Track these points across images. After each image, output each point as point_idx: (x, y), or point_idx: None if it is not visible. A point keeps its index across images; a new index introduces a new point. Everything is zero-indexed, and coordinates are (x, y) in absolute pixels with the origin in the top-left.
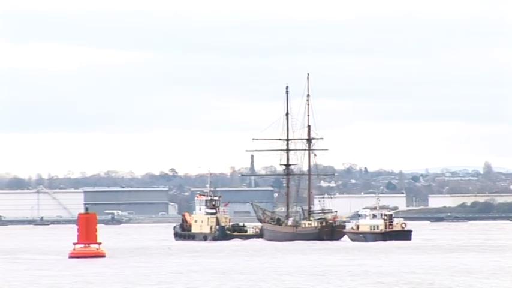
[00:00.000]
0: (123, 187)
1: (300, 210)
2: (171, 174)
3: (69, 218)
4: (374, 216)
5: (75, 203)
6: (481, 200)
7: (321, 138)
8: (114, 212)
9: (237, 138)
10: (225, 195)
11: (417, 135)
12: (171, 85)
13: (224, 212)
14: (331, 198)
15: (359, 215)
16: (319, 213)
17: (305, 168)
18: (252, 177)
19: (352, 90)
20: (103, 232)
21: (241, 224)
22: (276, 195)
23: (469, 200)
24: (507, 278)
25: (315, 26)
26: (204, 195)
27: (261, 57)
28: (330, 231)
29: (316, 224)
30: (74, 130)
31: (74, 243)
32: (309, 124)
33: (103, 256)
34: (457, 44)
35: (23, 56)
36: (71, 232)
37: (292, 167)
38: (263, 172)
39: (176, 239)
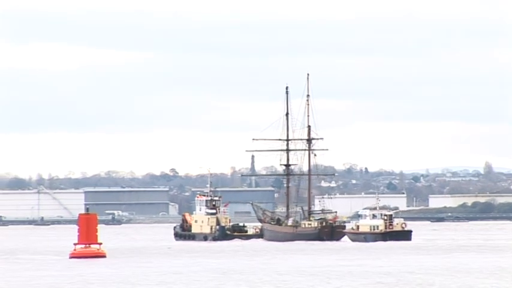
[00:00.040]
0: (123, 187)
1: (301, 210)
2: (171, 174)
3: (70, 218)
4: (374, 216)
5: (75, 203)
6: (482, 200)
7: (321, 138)
8: (115, 212)
9: (237, 139)
10: (226, 196)
11: (418, 135)
12: (171, 85)
13: (224, 212)
14: (331, 198)
15: (359, 215)
16: (319, 213)
17: (305, 169)
18: (253, 178)
19: (352, 90)
20: (104, 232)
21: (241, 224)
22: (276, 195)
23: (469, 200)
24: (507, 278)
25: (315, 26)
26: (204, 196)
27: (261, 57)
28: (330, 231)
29: (316, 224)
30: (74, 130)
31: (75, 244)
32: (309, 124)
33: (104, 256)
34: (457, 44)
35: (23, 56)
36: (72, 232)
37: (292, 167)
38: (264, 172)
39: (176, 239)
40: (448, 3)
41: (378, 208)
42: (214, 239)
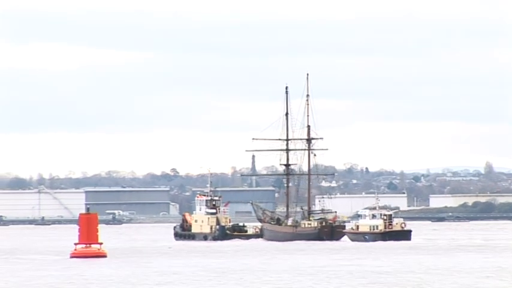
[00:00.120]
0: (124, 187)
1: (301, 210)
2: (172, 174)
3: (71, 218)
4: (374, 216)
5: (76, 203)
6: (482, 200)
7: (320, 138)
8: (116, 212)
9: (238, 138)
10: (227, 195)
11: (418, 135)
12: (171, 85)
13: (224, 212)
14: (331, 198)
15: (358, 215)
16: (318, 213)
17: (305, 168)
18: (253, 177)
19: (352, 90)
20: (104, 232)
21: (241, 224)
22: (277, 195)
23: (470, 200)
24: (507, 278)
25: (315, 26)
26: (204, 195)
27: (261, 57)
28: (330, 231)
29: (316, 224)
30: (74, 130)
31: (75, 244)
32: (309, 124)
33: (104, 256)
34: (457, 44)
35: (23, 56)
36: (72, 232)
37: (292, 167)
38: (264, 172)
39: (176, 239)
40: (448, 3)
41: (377, 208)
42: (214, 238)
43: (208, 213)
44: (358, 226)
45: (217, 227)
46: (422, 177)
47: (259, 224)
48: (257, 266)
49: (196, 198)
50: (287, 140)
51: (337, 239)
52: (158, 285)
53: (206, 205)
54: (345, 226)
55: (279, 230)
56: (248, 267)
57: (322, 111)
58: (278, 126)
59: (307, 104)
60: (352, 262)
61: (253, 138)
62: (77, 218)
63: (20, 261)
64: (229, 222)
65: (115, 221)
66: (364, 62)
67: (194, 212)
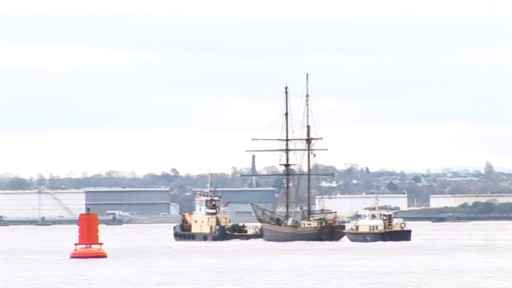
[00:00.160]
0: (124, 187)
1: (300, 210)
2: (172, 174)
3: (71, 218)
4: (373, 216)
5: (76, 203)
6: (483, 200)
7: (320, 138)
8: (116, 212)
9: (238, 139)
10: (227, 196)
11: (418, 135)
12: (171, 85)
13: (224, 212)
14: (330, 198)
15: (358, 216)
16: (318, 213)
17: (305, 168)
18: (254, 178)
19: (352, 90)
20: (104, 232)
21: (241, 224)
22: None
23: (470, 200)
24: (507, 278)
25: (315, 26)
26: (204, 196)
27: (261, 57)
28: (330, 231)
29: (315, 225)
30: (74, 130)
31: (76, 244)
32: (309, 124)
33: (104, 256)
34: (457, 44)
35: (23, 56)
36: (73, 232)
37: (292, 167)
38: (264, 172)
39: (176, 239)
40: (448, 3)
41: (377, 208)
42: (214, 239)
43: (208, 214)
44: (357, 226)
45: (217, 227)
46: (422, 178)
47: (259, 224)
48: (257, 266)
49: (196, 198)
50: (287, 140)
51: (337, 239)
52: (158, 286)
53: (206, 205)
54: (344, 226)
55: (278, 230)
56: (248, 267)
57: (322, 111)
58: (278, 126)
59: (307, 104)
60: (352, 262)
61: (253, 139)
62: (77, 218)
63: (20, 262)
64: (229, 222)
65: (115, 221)
66: (364, 62)
67: (194, 212)
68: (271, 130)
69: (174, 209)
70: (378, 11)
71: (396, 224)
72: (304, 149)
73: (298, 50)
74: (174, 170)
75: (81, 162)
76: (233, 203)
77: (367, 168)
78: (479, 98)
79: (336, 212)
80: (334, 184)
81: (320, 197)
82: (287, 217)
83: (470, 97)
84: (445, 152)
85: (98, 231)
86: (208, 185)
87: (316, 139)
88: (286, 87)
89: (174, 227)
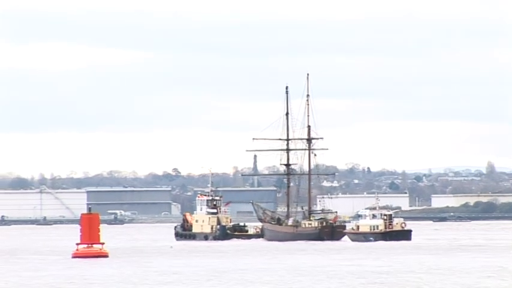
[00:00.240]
0: (126, 187)
1: (302, 210)
2: (173, 174)
3: (72, 218)
4: (374, 216)
5: (78, 203)
6: (484, 200)
7: (320, 138)
8: (117, 212)
9: (239, 138)
10: (228, 195)
11: (420, 135)
12: (171, 85)
13: (225, 211)
14: (331, 198)
15: (359, 215)
16: (319, 213)
17: (306, 168)
18: (255, 177)
19: (352, 90)
20: (106, 232)
21: (242, 224)
22: (279, 195)
23: (472, 200)
24: (508, 278)
25: (315, 26)
26: (205, 195)
27: (261, 57)
28: (330, 231)
29: (316, 224)
30: (74, 130)
31: (77, 244)
32: (309, 124)
33: (106, 256)
34: (457, 44)
35: (23, 56)
36: (74, 232)
37: (293, 166)
38: (266, 172)
39: (177, 239)
40: (448, 3)
41: (377, 208)
42: (215, 238)
43: (209, 213)
44: (358, 226)
45: (218, 227)
46: (424, 177)
47: (260, 224)
48: (257, 266)
49: (197, 198)
50: (287, 139)
51: (338, 239)
52: (159, 285)
53: (207, 205)
54: (345, 226)
55: (279, 230)
56: (248, 267)
57: (322, 111)
58: (278, 126)
59: (307, 104)
60: (353, 262)
61: (253, 138)
62: (79, 218)
63: (21, 261)
64: (230, 222)
65: (117, 221)
66: (364, 62)
67: (195, 212)
68: (271, 130)
69: (176, 209)
70: (377, 11)
71: (397, 223)
72: (305, 149)
73: (298, 50)
74: (175, 169)
75: (82, 162)
76: (235, 202)
77: (368, 168)
78: (479, 98)
79: (336, 212)
80: (335, 184)
81: (321, 196)
82: (288, 217)
83: (470, 97)
84: (446, 152)
85: (99, 231)
86: (209, 185)
87: (317, 139)
88: (286, 87)
89: (175, 227)
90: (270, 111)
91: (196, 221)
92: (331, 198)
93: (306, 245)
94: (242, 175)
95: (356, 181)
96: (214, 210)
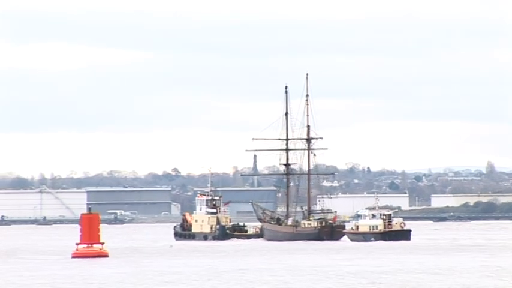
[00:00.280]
0: (126, 187)
1: (301, 210)
2: (173, 174)
3: (72, 217)
4: (373, 216)
5: (78, 203)
6: (484, 199)
7: (320, 138)
8: (117, 211)
9: (239, 138)
10: (228, 195)
11: (420, 135)
12: (171, 85)
13: (225, 211)
14: (331, 198)
15: (358, 215)
16: (318, 213)
17: (306, 168)
18: (255, 177)
19: (352, 90)
20: (106, 232)
21: (241, 223)
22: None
23: (472, 200)
24: (507, 278)
25: (315, 26)
26: (204, 195)
27: (261, 57)
28: (330, 231)
29: (316, 224)
30: (73, 130)
31: (77, 244)
32: (309, 124)
33: (106, 256)
34: (457, 44)
35: (23, 56)
36: (74, 232)
37: (293, 166)
38: (266, 172)
39: (177, 239)
40: (448, 3)
41: (377, 208)
42: (215, 238)
43: (208, 213)
44: (357, 226)
45: (218, 226)
46: (424, 177)
47: (259, 224)
48: (257, 265)
49: (196, 198)
50: (287, 139)
51: (337, 239)
52: (159, 285)
53: (206, 205)
54: (344, 226)
55: (279, 229)
56: (248, 267)
57: (322, 111)
58: (278, 126)
59: (307, 104)
60: (352, 262)
61: (253, 138)
62: (79, 218)
63: (21, 261)
64: (230, 222)
65: (117, 220)
66: (364, 62)
67: (195, 211)
68: (271, 130)
69: (176, 209)
70: (377, 11)
71: (396, 223)
72: (304, 149)
73: (298, 50)
74: (175, 169)
75: (82, 161)
76: (235, 202)
77: (368, 168)
78: (479, 98)
79: (335, 212)
80: (335, 184)
81: (320, 196)
82: (287, 217)
83: (470, 97)
84: (446, 152)
85: (99, 231)
86: (208, 185)
87: (316, 138)
88: (286, 87)
89: (175, 227)
90: (269, 111)
91: (196, 220)
92: (331, 198)
93: (305, 245)
94: (241, 175)
95: (356, 181)
96: (214, 210)
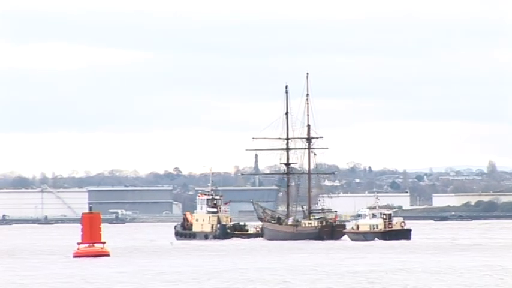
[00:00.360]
0: (127, 186)
1: (302, 209)
2: (175, 173)
3: (74, 217)
4: (373, 215)
5: (79, 202)
6: (485, 199)
7: (320, 137)
8: (119, 211)
9: (239, 138)
10: (230, 195)
11: (421, 134)
12: (171, 85)
13: (225, 211)
14: (331, 197)
15: (358, 215)
16: (319, 212)
17: (307, 167)
18: (257, 177)
19: (352, 90)
20: (107, 231)
21: (242, 223)
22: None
23: (473, 199)
24: (508, 278)
25: (315, 26)
26: (205, 194)
27: (261, 57)
28: (330, 230)
29: (316, 224)
30: (73, 130)
31: (78, 243)
32: (309, 123)
33: (107, 255)
34: (457, 44)
35: (23, 56)
36: (75, 231)
37: (294, 165)
38: (267, 171)
39: (177, 238)
40: (448, 3)
41: (377, 207)
42: (215, 237)
43: (209, 212)
44: (358, 226)
45: (218, 226)
46: (425, 177)
47: (261, 224)
48: (257, 265)
49: (197, 197)
50: (287, 139)
51: (337, 238)
52: (159, 284)
53: (207, 204)
54: (345, 226)
55: (279, 229)
56: (248, 266)
57: (322, 111)
58: (278, 125)
59: (307, 104)
60: (352, 261)
61: (253, 138)
62: (80, 217)
63: (22, 261)
64: (230, 221)
65: (118, 220)
66: (364, 62)
67: (195, 211)
68: (271, 129)
69: (177, 208)
70: (378, 11)
71: (396, 223)
72: (305, 148)
73: (298, 50)
74: (177, 169)
75: (84, 161)
76: (236, 202)
77: (369, 167)
78: (479, 98)
79: (336, 211)
80: (337, 183)
81: (321, 196)
82: (288, 216)
83: (470, 97)
84: (447, 151)
85: (100, 230)
86: (209, 184)
87: (317, 138)
88: (286, 86)
89: (175, 226)
90: (270, 111)
91: (197, 220)
92: (331, 197)
93: (305, 245)
94: (242, 174)
95: (357, 180)
96: (215, 210)
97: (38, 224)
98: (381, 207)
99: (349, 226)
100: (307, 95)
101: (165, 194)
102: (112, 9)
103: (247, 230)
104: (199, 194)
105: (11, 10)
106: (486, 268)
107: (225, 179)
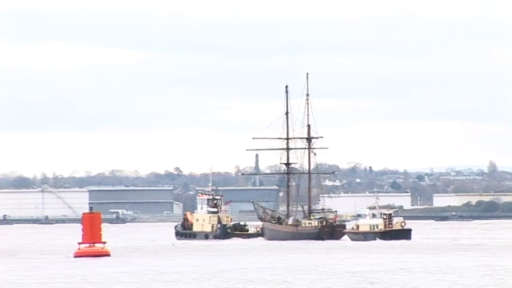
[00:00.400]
0: (128, 186)
1: (302, 209)
2: (176, 173)
3: (74, 217)
4: (374, 215)
5: (80, 202)
6: (486, 199)
7: (320, 137)
8: (119, 211)
9: (240, 138)
10: (230, 195)
11: (422, 134)
12: (171, 85)
13: (226, 210)
14: (331, 197)
15: (359, 215)
16: (319, 212)
17: (307, 167)
18: (257, 177)
19: (352, 90)
20: (108, 231)
21: (242, 223)
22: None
23: (474, 199)
24: (508, 278)
25: (315, 26)
26: (205, 194)
27: (261, 57)
28: (330, 230)
29: (316, 224)
30: (73, 130)
31: (79, 243)
32: (309, 123)
33: (108, 255)
34: (457, 44)
35: (23, 56)
36: (76, 231)
37: (294, 165)
38: (268, 171)
39: (178, 238)
40: (448, 3)
41: (377, 207)
42: (216, 237)
43: (209, 212)
44: (358, 226)
45: (219, 226)
46: (426, 177)
47: (261, 223)
48: (257, 265)
49: (198, 197)
50: (287, 139)
51: (338, 238)
52: (159, 284)
53: (207, 204)
54: (345, 225)
55: (279, 229)
56: (248, 266)
57: (322, 111)
58: (278, 125)
59: (307, 104)
60: (352, 261)
61: (253, 138)
62: (81, 217)
63: (23, 261)
64: (231, 221)
65: (118, 220)
66: (364, 62)
67: (196, 211)
68: (271, 129)
69: (178, 208)
70: (378, 11)
71: (396, 222)
72: (305, 148)
73: (298, 50)
74: (177, 168)
75: (84, 161)
76: (237, 201)
77: (370, 167)
78: (479, 98)
79: (336, 211)
80: (337, 183)
81: (321, 195)
82: (288, 216)
83: (470, 97)
84: (448, 151)
85: (101, 230)
86: (210, 184)
87: (317, 138)
88: (286, 86)
89: (176, 226)
90: (270, 111)
91: (197, 220)
92: (331, 197)
93: (305, 244)
94: (242, 174)
95: (358, 180)
96: (215, 209)
97: (39, 224)
98: (381, 207)
99: (349, 226)
100: (307, 95)
101: (165, 194)
102: (112, 9)
103: (247, 230)
104: (199, 194)
105: (11, 10)
106: (486, 268)
107: (225, 179)
